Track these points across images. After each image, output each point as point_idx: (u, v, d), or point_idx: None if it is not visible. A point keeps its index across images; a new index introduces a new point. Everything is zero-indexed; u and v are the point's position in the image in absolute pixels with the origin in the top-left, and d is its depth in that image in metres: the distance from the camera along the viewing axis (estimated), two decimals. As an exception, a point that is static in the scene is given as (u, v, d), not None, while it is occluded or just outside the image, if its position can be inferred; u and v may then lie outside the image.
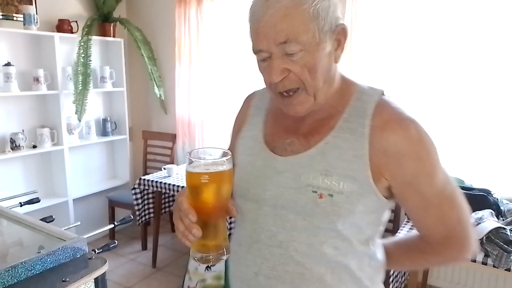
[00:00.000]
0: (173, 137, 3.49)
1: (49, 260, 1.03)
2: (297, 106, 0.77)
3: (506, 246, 1.70)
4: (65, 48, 3.06)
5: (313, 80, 0.74)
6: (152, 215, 3.00)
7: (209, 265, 0.62)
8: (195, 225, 0.71)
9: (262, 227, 0.79)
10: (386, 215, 0.83)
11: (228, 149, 0.93)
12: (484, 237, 1.75)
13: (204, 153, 0.74)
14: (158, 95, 3.44)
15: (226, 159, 0.72)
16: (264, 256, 0.79)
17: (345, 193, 0.73)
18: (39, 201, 1.71)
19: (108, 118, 3.46)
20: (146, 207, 2.96)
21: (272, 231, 0.78)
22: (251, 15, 0.75)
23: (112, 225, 1.54)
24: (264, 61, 0.74)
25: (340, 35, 0.75)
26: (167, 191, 2.78)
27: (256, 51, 0.75)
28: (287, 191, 0.77)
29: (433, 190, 0.76)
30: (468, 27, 2.27)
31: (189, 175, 0.71)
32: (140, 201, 2.89)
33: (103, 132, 3.45)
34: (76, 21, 3.11)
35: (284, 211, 0.77)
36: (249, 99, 0.97)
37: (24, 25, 2.76)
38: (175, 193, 2.74)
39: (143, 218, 2.95)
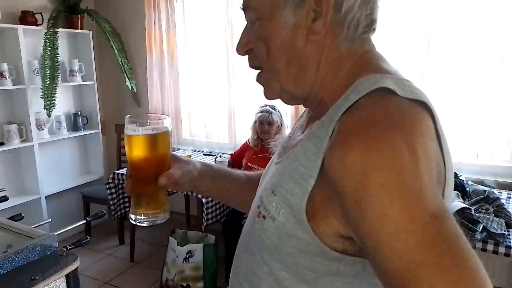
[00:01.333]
0: (147, 130, 3.44)
1: (17, 259, 1.02)
2: (266, 90, 0.64)
3: (471, 225, 1.78)
4: (30, 41, 2.95)
5: (269, 58, 0.59)
6: (127, 209, 2.97)
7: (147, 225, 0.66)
8: (127, 181, 0.72)
9: (243, 230, 0.72)
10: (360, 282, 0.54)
11: None
12: (451, 218, 1.83)
13: (145, 117, 0.73)
14: (130, 88, 3.38)
15: (157, 126, 0.71)
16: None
17: (277, 222, 0.55)
18: (7, 199, 1.66)
19: (79, 113, 3.38)
20: (121, 201, 2.93)
21: (241, 237, 0.69)
22: None
23: (84, 221, 1.52)
24: None
25: (318, 1, 0.55)
26: (143, 185, 2.75)
27: None
28: (256, 197, 0.67)
29: (387, 264, 0.44)
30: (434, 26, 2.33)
31: (125, 137, 0.73)
32: (114, 195, 2.85)
33: (74, 127, 3.37)
34: (40, 13, 3.00)
35: (248, 220, 0.67)
36: None
37: (-16, 17, 2.65)
38: (151, 186, 2.71)
39: (118, 213, 2.92)
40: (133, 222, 0.72)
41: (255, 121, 2.65)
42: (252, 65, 0.64)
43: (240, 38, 0.63)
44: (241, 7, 0.61)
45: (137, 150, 0.71)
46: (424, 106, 0.51)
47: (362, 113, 0.50)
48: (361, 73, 0.55)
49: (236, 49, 0.64)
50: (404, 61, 2.47)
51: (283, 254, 0.55)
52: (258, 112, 2.65)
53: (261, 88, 0.65)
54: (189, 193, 2.66)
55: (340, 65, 0.58)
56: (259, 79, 0.64)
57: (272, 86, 0.62)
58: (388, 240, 0.44)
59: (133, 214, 0.72)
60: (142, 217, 0.71)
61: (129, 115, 0.71)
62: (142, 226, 0.73)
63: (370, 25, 0.58)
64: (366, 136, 0.46)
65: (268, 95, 0.64)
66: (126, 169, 0.73)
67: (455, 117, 2.34)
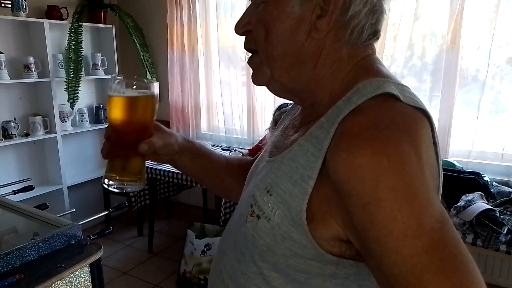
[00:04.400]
0: (166, 124, 3.48)
1: (44, 247, 1.05)
2: (253, 74, 0.63)
3: (495, 227, 1.74)
4: (55, 35, 3.02)
5: (266, 44, 0.57)
6: (147, 201, 3.02)
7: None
8: (105, 143, 0.69)
9: (227, 227, 0.70)
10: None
11: None
12: (474, 219, 1.79)
13: (132, 79, 0.69)
14: (151, 82, 3.42)
15: (143, 89, 0.68)
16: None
17: (272, 223, 0.54)
18: (33, 189, 1.72)
19: (101, 106, 3.44)
20: (141, 193, 2.97)
21: (224, 234, 0.68)
22: None
23: (107, 212, 1.55)
24: None
25: None
26: (162, 177, 2.79)
27: None
28: (245, 196, 0.65)
29: (392, 268, 0.45)
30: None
31: (108, 97, 0.69)
32: (135, 188, 2.89)
33: (96, 120, 3.44)
34: (65, 7, 3.06)
35: (235, 217, 0.66)
36: None
37: (12, 11, 2.72)
38: (170, 179, 2.75)
39: (139, 205, 2.97)
40: (105, 186, 0.69)
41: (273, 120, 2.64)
42: (247, 47, 0.62)
43: (241, 17, 0.61)
44: None
45: (119, 112, 0.67)
46: (424, 114, 0.52)
47: (367, 116, 0.49)
48: (363, 76, 0.55)
49: (235, 28, 0.62)
50: (429, 58, 2.42)
51: (275, 255, 0.55)
52: (275, 112, 2.65)
53: None
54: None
55: (340, 67, 0.57)
56: (250, 61, 0.63)
57: (262, 71, 0.60)
58: (396, 245, 0.44)
59: (107, 178, 0.69)
60: (116, 183, 0.68)
61: (115, 75, 0.68)
62: (113, 191, 0.70)
63: (374, 34, 0.58)
64: (374, 139, 0.46)
65: (256, 80, 0.63)
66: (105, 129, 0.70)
67: (480, 116, 2.28)
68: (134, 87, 0.67)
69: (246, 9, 0.61)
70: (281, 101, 2.67)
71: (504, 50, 2.21)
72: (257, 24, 0.58)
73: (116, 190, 0.69)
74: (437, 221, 0.44)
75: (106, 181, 0.68)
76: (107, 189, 0.69)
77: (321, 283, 0.54)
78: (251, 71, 0.64)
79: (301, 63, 0.58)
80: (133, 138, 0.67)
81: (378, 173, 0.44)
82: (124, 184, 0.68)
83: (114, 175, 0.69)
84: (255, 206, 0.57)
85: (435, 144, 0.51)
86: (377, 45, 2.22)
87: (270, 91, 0.64)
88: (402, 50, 2.44)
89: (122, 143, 0.68)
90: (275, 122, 2.59)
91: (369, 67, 0.57)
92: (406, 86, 0.55)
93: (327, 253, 0.52)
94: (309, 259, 0.53)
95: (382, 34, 2.42)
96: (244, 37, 0.63)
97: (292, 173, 0.54)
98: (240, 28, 0.61)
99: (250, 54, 0.63)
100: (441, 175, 0.53)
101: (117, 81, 0.67)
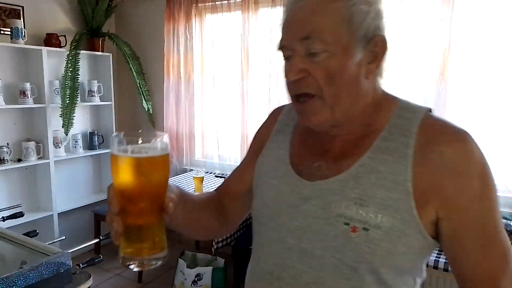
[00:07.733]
0: (161, 151, 3.48)
1: (32, 276, 1.03)
2: (311, 116, 0.68)
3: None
4: (53, 62, 3.06)
5: (332, 88, 0.65)
6: (138, 229, 2.97)
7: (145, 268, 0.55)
8: (116, 218, 0.57)
9: (285, 263, 0.69)
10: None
11: (244, 166, 0.87)
12: None
13: (137, 135, 0.57)
14: (146, 109, 3.45)
15: (158, 144, 0.57)
16: None
17: (384, 228, 0.62)
18: (22, 216, 1.70)
19: (96, 132, 3.45)
20: (132, 221, 2.93)
21: (296, 268, 0.67)
22: (284, 10, 0.69)
23: (97, 240, 1.53)
24: (287, 60, 0.68)
25: (377, 47, 0.66)
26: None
27: (280, 47, 0.69)
28: (315, 221, 0.67)
29: (496, 219, 0.64)
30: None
31: (113, 158, 0.56)
32: (126, 215, 2.86)
33: (90, 146, 3.43)
34: (64, 35, 3.12)
35: (311, 245, 0.66)
36: (276, 113, 0.87)
37: (11, 38, 2.76)
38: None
39: (130, 233, 2.92)
40: (133, 268, 0.58)
41: None
42: (301, 91, 0.67)
43: (293, 65, 0.66)
44: (304, 36, 0.64)
45: (134, 177, 0.56)
46: None
47: (443, 121, 0.68)
48: (389, 98, 0.72)
49: (288, 74, 0.67)
50: (418, 90, 2.48)
51: (395, 258, 0.63)
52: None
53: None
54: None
55: (375, 97, 0.71)
56: (309, 105, 0.67)
57: (324, 112, 0.67)
58: (496, 200, 0.64)
59: (128, 259, 0.57)
60: (144, 258, 0.58)
61: (115, 134, 0.57)
62: (139, 270, 0.58)
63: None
64: (467, 133, 0.64)
65: (316, 120, 0.68)
66: (109, 199, 0.58)
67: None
68: (140, 142, 0.57)
69: (296, 59, 0.66)
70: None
71: (494, 82, 2.27)
72: (319, 72, 0.65)
73: (136, 269, 0.58)
74: None
75: (131, 264, 0.58)
76: (132, 269, 0.58)
77: (415, 274, 0.68)
78: (304, 114, 0.70)
79: (357, 100, 0.68)
80: (156, 201, 0.58)
81: (482, 156, 0.63)
82: (151, 256, 0.58)
83: (136, 251, 0.58)
84: (355, 222, 0.63)
85: None
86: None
87: (318, 127, 0.70)
88: (391, 80, 2.50)
89: (139, 212, 0.57)
90: None
91: (387, 94, 0.74)
92: None
93: (429, 236, 0.64)
94: (417, 248, 0.64)
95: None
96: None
97: (381, 181, 0.64)
98: (294, 74, 0.66)
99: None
100: None
101: (121, 140, 0.56)
